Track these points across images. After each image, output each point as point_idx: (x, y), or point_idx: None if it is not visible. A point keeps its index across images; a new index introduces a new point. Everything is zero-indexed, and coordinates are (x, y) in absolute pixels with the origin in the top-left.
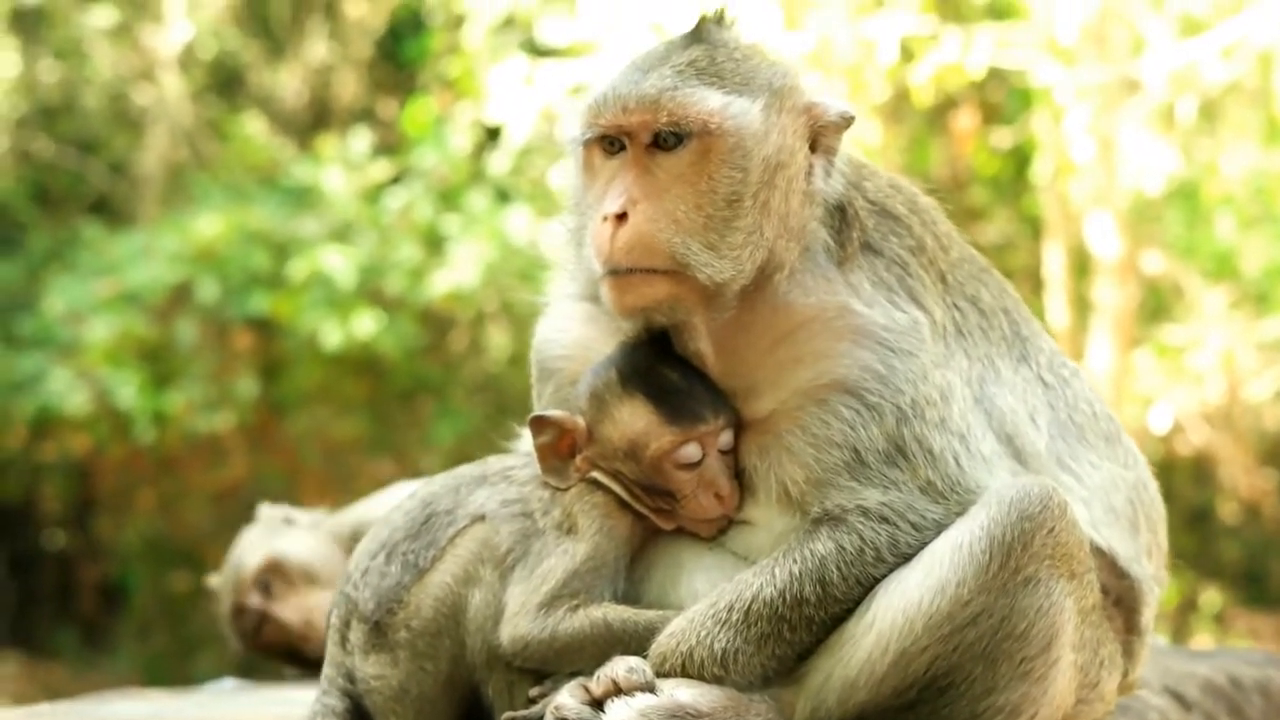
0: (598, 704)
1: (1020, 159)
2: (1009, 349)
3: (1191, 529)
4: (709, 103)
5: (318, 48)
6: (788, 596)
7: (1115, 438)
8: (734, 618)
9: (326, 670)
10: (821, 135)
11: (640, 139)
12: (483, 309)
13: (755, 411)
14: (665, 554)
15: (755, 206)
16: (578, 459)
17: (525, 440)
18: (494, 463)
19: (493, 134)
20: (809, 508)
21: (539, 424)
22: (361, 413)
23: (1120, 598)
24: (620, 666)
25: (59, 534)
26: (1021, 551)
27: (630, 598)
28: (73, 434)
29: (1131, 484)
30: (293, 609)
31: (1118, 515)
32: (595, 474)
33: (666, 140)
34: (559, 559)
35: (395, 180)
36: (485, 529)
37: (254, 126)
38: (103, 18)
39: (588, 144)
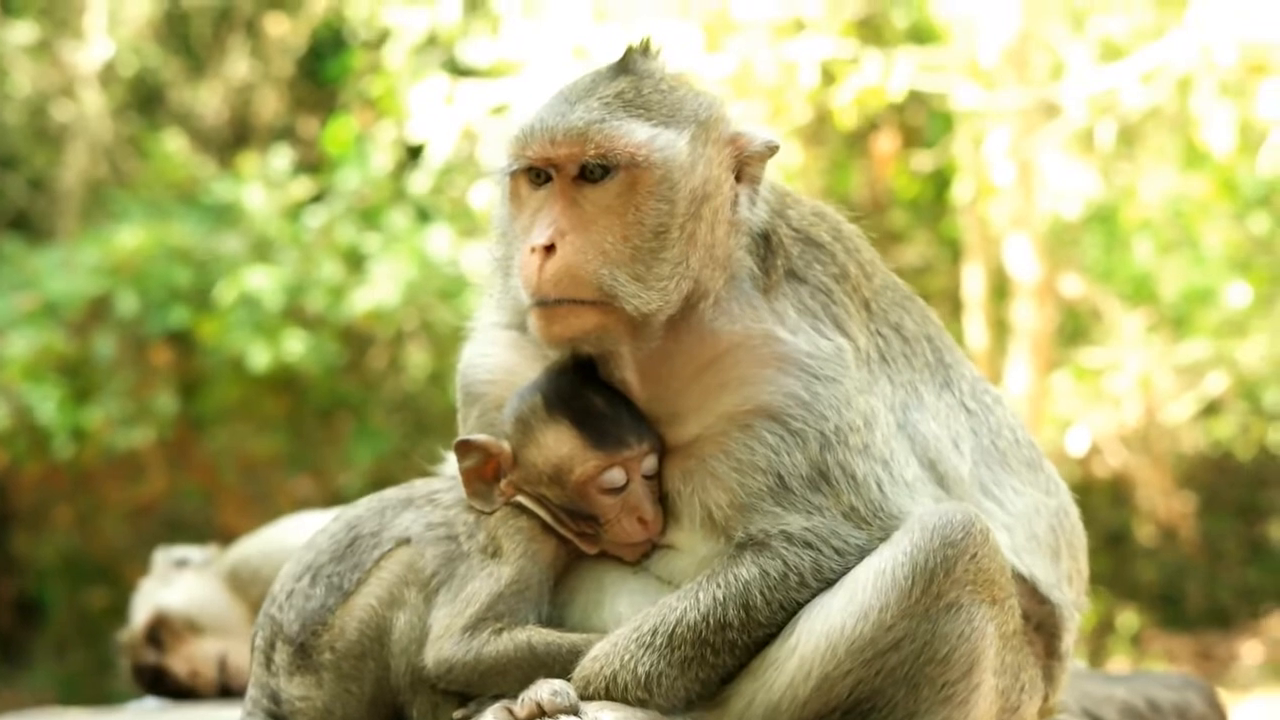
0: None
1: (940, 182)
2: (932, 375)
3: (1109, 551)
4: (636, 135)
5: (239, 65)
6: (711, 620)
7: (1037, 464)
8: (658, 641)
9: (251, 691)
10: (746, 165)
11: (567, 171)
12: (403, 328)
13: (680, 437)
14: (589, 578)
15: (682, 238)
16: (503, 483)
17: (450, 464)
18: (419, 486)
19: (414, 153)
20: (733, 532)
21: (464, 448)
22: (280, 430)
23: (1041, 623)
24: (545, 689)
25: None
26: (944, 577)
27: (554, 621)
28: None
29: (1053, 510)
30: (181, 660)
31: (1039, 542)
32: (520, 498)
33: (594, 172)
34: (484, 582)
35: (316, 199)
36: (410, 552)
37: (174, 144)
38: (23, 34)
39: (514, 174)
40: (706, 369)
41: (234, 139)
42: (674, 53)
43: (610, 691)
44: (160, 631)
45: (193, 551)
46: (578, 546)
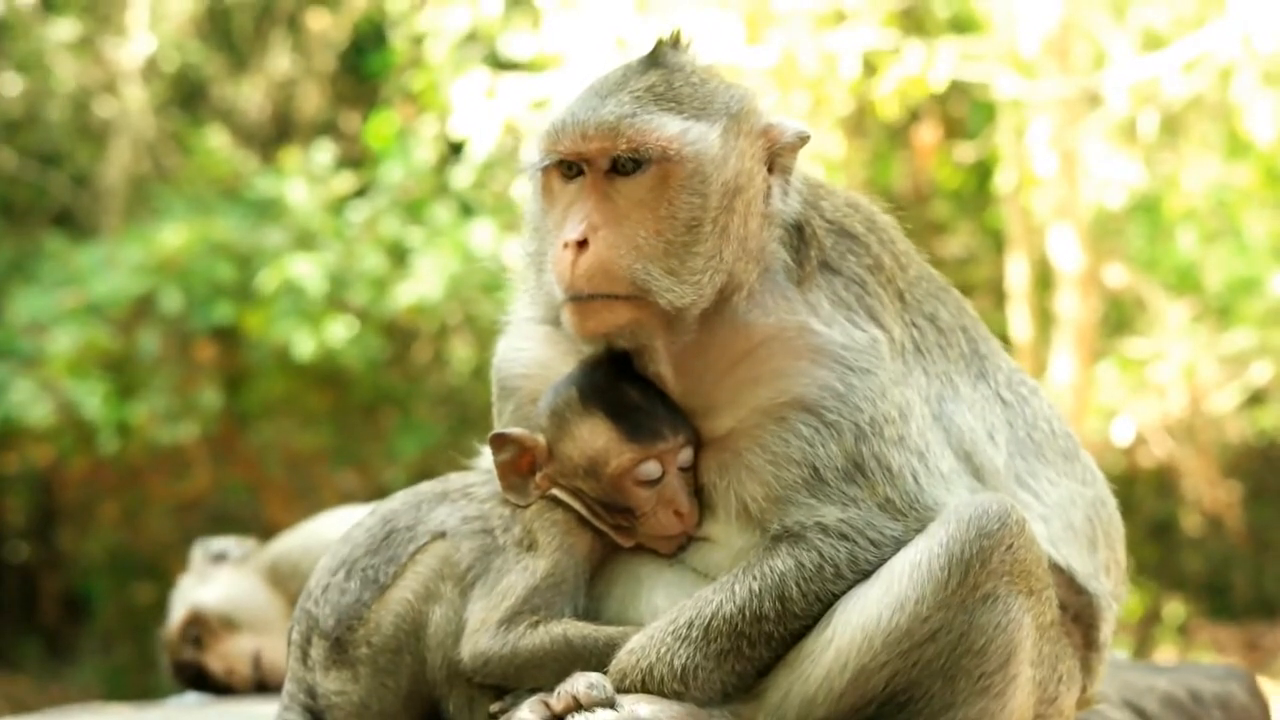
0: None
1: (983, 173)
2: (967, 366)
3: (1154, 541)
4: (668, 129)
5: (281, 60)
6: (747, 613)
7: (1073, 455)
8: (694, 634)
9: (288, 686)
10: (778, 156)
11: (599, 165)
12: (446, 321)
13: (715, 429)
14: (625, 571)
15: (715, 231)
16: (538, 476)
17: (486, 457)
18: (455, 480)
19: (456, 148)
20: (768, 525)
21: (499, 441)
22: (325, 425)
23: (1078, 614)
24: (581, 683)
25: (22, 546)
26: (980, 568)
27: (590, 614)
28: (36, 445)
29: (1090, 501)
30: (217, 657)
31: (1076, 532)
32: (555, 491)
33: (625, 166)
34: (519, 575)
35: (359, 193)
36: (446, 546)
37: (217, 139)
38: (65, 30)
39: (546, 170)
40: (741, 362)
41: (276, 134)
42: (714, 45)
43: (646, 684)
44: (196, 629)
45: (231, 544)
46: (613, 540)
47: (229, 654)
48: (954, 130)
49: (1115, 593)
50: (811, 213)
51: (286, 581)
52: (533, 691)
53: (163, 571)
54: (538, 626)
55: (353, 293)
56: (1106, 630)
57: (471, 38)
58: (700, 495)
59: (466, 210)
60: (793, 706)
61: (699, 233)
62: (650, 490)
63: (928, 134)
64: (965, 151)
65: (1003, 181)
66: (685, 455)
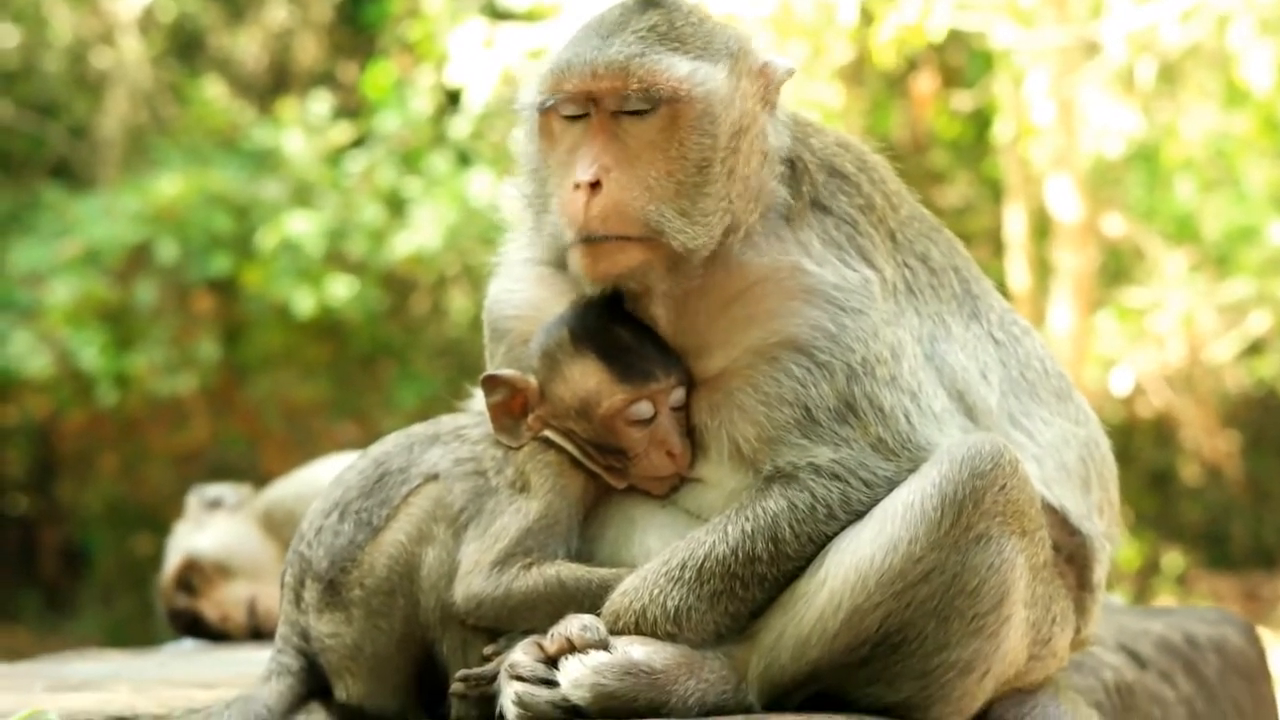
0: (552, 661)
1: (981, 122)
2: (959, 306)
3: (1153, 491)
4: (678, 69)
5: (277, 11)
6: (740, 554)
7: (1066, 395)
8: (687, 575)
9: (281, 629)
10: (773, 94)
11: (606, 105)
12: (444, 272)
13: (707, 370)
14: (618, 512)
15: (723, 171)
16: (530, 418)
17: (478, 399)
18: (447, 421)
19: (453, 97)
20: (761, 465)
21: (491, 383)
22: (324, 376)
23: (1072, 554)
24: (574, 624)
25: (20, 498)
26: (973, 508)
27: (583, 556)
28: (34, 397)
29: (1083, 441)
30: (212, 604)
31: (1069, 472)
32: (547, 433)
33: (634, 106)
34: (512, 517)
35: (356, 144)
36: (438, 487)
37: (214, 90)
38: None
39: (546, 110)
40: (734, 302)
41: (273, 85)
42: None
43: (640, 626)
44: (191, 576)
45: (226, 491)
46: (606, 481)
47: (224, 601)
48: (952, 79)
49: (1109, 533)
50: (801, 149)
51: (281, 528)
52: (526, 634)
53: (162, 523)
54: (531, 568)
55: (351, 244)
56: (1100, 571)
57: None
58: (692, 436)
59: (464, 160)
60: (786, 648)
61: (709, 173)
62: (642, 431)
63: (926, 83)
64: (963, 100)
65: (1001, 131)
66: (677, 395)
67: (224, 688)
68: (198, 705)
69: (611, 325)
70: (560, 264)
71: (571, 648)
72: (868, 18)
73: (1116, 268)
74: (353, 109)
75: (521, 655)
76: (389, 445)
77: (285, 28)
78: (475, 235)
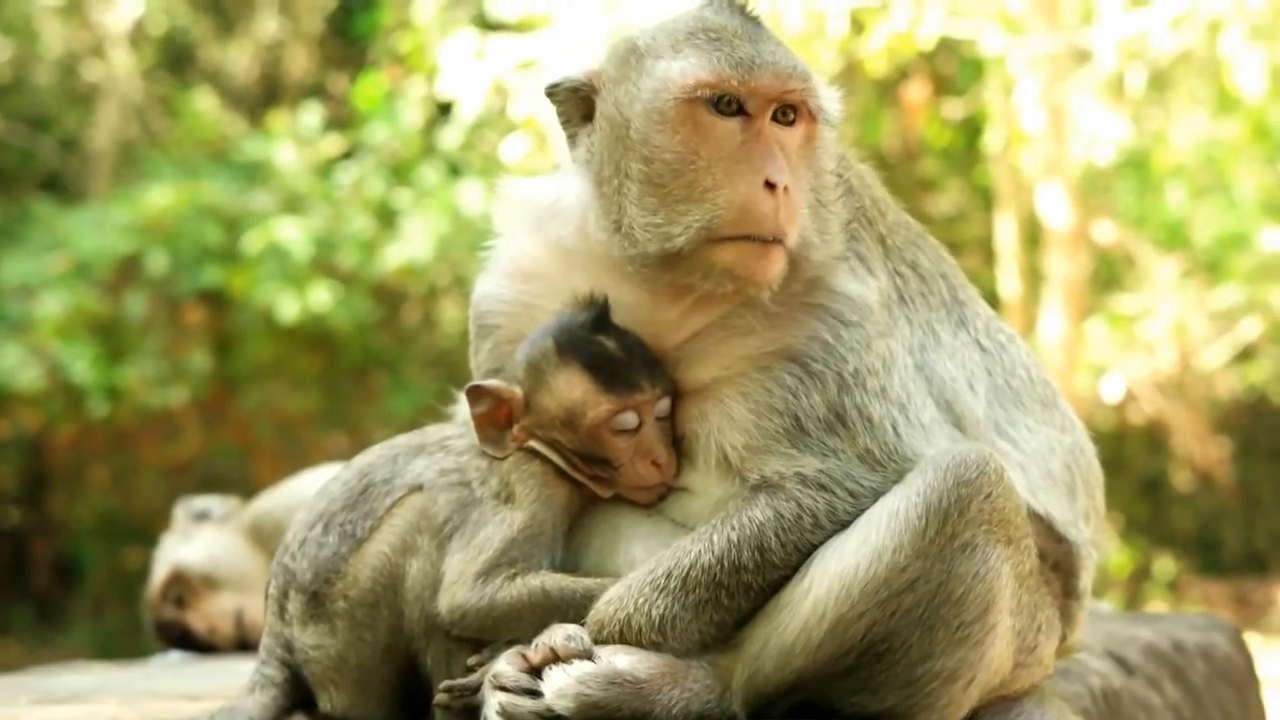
0: (536, 672)
1: (971, 130)
2: (948, 314)
3: (1145, 497)
4: (823, 86)
5: (268, 23)
6: (725, 563)
7: (1052, 402)
8: (672, 584)
9: (265, 640)
10: None
11: (767, 111)
12: (435, 283)
13: (697, 379)
14: (603, 522)
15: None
16: (515, 428)
17: (462, 409)
18: (431, 432)
19: (444, 109)
20: (747, 474)
21: (476, 393)
22: (315, 387)
23: (1058, 562)
24: (558, 634)
25: (11, 511)
26: (958, 517)
27: (568, 566)
28: (25, 410)
29: (1068, 448)
30: (199, 616)
31: (1055, 480)
32: (532, 443)
33: (788, 116)
34: (496, 528)
35: (347, 155)
36: (423, 498)
37: (205, 102)
38: None
39: (691, 101)
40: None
41: (264, 97)
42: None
43: (624, 635)
44: (178, 588)
45: (213, 503)
46: (591, 490)
47: (211, 613)
48: (942, 87)
49: (1094, 540)
50: None
51: (269, 540)
52: (510, 644)
53: (153, 535)
54: (515, 579)
55: (341, 255)
56: (1086, 578)
57: None
58: (679, 445)
59: (455, 171)
60: (771, 657)
61: (829, 192)
62: (628, 441)
63: (916, 91)
64: (954, 109)
65: (991, 139)
66: (663, 405)
67: (210, 699)
68: (183, 717)
69: (597, 335)
70: (656, 261)
71: (556, 657)
72: (858, 27)
73: (1107, 275)
74: (343, 121)
75: (505, 665)
76: (373, 456)
77: (276, 40)
78: (466, 246)
